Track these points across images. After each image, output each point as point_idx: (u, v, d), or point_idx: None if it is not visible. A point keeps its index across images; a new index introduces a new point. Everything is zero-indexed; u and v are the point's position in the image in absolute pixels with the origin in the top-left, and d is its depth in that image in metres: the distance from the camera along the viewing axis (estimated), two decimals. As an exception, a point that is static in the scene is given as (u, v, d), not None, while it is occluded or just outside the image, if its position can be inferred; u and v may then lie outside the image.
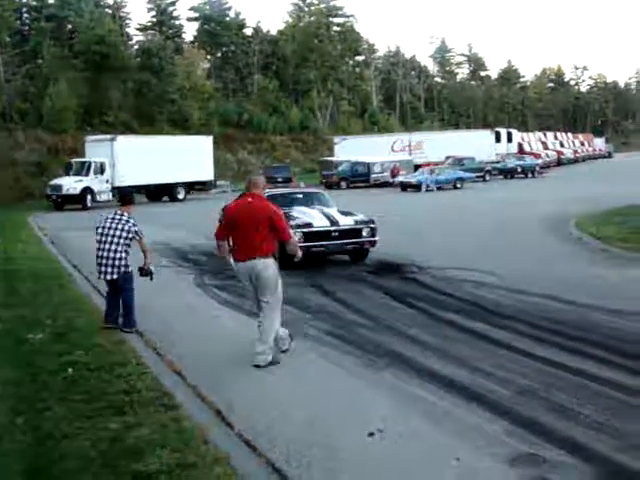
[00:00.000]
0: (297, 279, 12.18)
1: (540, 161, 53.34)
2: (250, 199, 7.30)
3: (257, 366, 6.98)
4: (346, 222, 13.61)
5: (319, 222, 13.48)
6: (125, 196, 9.31)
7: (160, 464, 4.63)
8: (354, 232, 13.57)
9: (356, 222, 13.71)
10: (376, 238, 13.68)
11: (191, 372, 6.92)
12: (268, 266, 7.19)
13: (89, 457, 4.79)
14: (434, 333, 8.23)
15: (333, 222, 13.52)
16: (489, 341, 7.80)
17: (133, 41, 72.51)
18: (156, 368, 6.98)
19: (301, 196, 15.43)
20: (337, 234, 13.44)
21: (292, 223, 13.16)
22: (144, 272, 8.77)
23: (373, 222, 13.77)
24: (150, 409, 5.66)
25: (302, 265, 13.01)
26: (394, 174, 42.64)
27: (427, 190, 37.03)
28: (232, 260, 7.48)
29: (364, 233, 13.57)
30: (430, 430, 5.35)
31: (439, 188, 38.19)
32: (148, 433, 5.17)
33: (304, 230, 13.11)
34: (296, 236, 12.89)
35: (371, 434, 5.28)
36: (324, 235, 13.36)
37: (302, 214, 13.85)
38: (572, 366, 6.75)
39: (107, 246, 8.38)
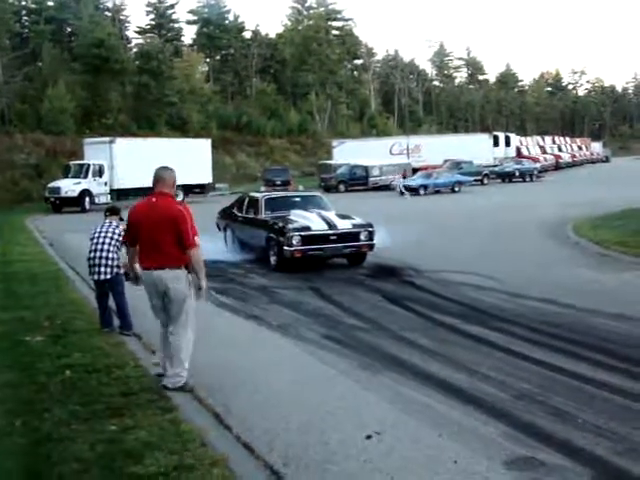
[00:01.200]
0: (295, 282, 12.21)
1: (538, 165, 53.41)
2: (154, 199, 6.39)
3: (165, 387, 6.24)
4: (344, 226, 13.59)
5: (317, 225, 13.46)
6: (113, 208, 9.51)
7: (158, 466, 4.62)
8: (352, 236, 13.54)
9: (354, 226, 13.69)
10: (374, 242, 13.67)
11: (188, 374, 6.91)
12: (179, 278, 6.29)
13: (87, 459, 4.78)
14: (432, 336, 8.24)
15: (331, 225, 13.50)
16: (487, 344, 7.81)
17: (132, 44, 72.80)
18: (153, 370, 6.97)
19: (299, 199, 15.45)
20: (335, 237, 13.40)
21: (290, 226, 13.27)
22: (129, 275, 8.77)
23: (371, 226, 13.75)
24: (148, 411, 5.65)
25: (300, 268, 13.10)
26: (404, 177, 42.54)
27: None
28: (138, 267, 6.57)
29: (362, 237, 13.55)
30: (427, 433, 5.36)
31: (437, 192, 38.21)
32: (146, 435, 5.16)
33: (302, 233, 13.10)
34: (294, 240, 12.99)
35: (368, 437, 5.28)
36: (322, 238, 13.34)
37: (300, 217, 13.85)
38: (570, 369, 6.76)
39: (100, 247, 8.46)
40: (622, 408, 5.76)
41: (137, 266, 6.60)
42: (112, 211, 9.13)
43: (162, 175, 6.43)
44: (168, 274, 6.24)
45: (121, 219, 8.83)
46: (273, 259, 13.62)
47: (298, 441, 5.26)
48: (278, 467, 4.81)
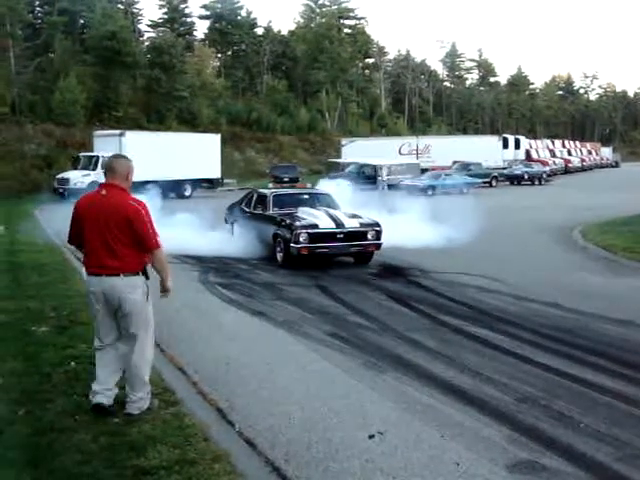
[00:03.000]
0: (301, 279, 12.22)
1: (547, 169, 53.24)
2: (104, 191, 5.45)
3: (130, 414, 5.45)
4: (351, 224, 13.53)
5: (324, 223, 13.42)
6: None
7: (160, 460, 4.65)
8: (359, 234, 13.50)
9: (361, 224, 13.63)
10: (381, 241, 13.61)
11: (193, 369, 6.95)
12: (135, 287, 5.43)
13: (90, 451, 4.81)
14: (436, 337, 8.23)
15: (338, 224, 13.43)
16: (491, 347, 7.80)
17: (144, 37, 72.72)
18: (158, 363, 6.99)
19: (308, 197, 15.43)
20: (342, 236, 13.35)
21: (298, 224, 13.26)
22: None
23: (378, 225, 13.68)
24: (156, 398, 5.68)
25: (306, 266, 13.11)
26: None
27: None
28: (84, 271, 5.65)
29: (369, 236, 13.49)
30: (430, 434, 5.36)
31: (445, 193, 38.11)
32: (149, 429, 5.19)
33: (309, 231, 13.09)
34: (301, 237, 12.99)
35: (371, 436, 5.29)
36: (329, 236, 13.31)
37: (308, 215, 13.84)
38: (574, 374, 6.75)
39: None
40: (624, 414, 5.75)
41: (83, 270, 5.67)
42: None
43: (112, 164, 5.54)
44: (123, 282, 5.36)
45: None
46: (279, 256, 13.63)
47: (300, 438, 5.27)
48: (280, 464, 4.83)
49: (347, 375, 6.83)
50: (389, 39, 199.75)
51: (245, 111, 66.38)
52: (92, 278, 5.45)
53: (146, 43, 68.17)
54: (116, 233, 5.30)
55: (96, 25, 54.65)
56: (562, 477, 4.64)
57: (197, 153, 37.73)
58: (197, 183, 39.33)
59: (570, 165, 65.68)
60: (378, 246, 13.66)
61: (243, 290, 11.30)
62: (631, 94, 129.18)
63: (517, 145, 58.78)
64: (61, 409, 5.55)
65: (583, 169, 68.98)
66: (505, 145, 55.31)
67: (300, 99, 77.06)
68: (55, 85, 48.13)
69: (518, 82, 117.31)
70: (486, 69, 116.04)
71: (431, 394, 6.23)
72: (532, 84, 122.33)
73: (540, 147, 66.51)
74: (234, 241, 15.59)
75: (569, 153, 71.60)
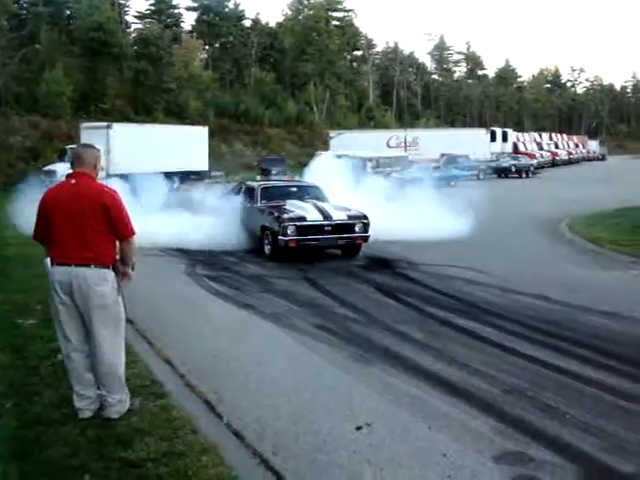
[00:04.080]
0: (289, 272, 12.22)
1: (534, 161, 53.45)
2: (73, 180, 5.30)
3: (110, 419, 5.26)
4: (339, 216, 13.56)
5: (312, 216, 13.43)
6: None
7: (148, 452, 4.65)
8: (347, 227, 13.53)
9: (349, 217, 13.65)
10: (369, 234, 13.66)
11: (181, 361, 6.94)
12: (104, 279, 5.21)
13: (77, 444, 4.80)
14: (424, 329, 8.26)
15: (326, 216, 13.47)
16: (479, 339, 7.84)
17: (131, 29, 72.23)
18: (145, 356, 6.99)
19: (296, 189, 15.43)
20: (330, 228, 13.37)
21: (285, 216, 13.25)
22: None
23: (366, 217, 13.69)
24: (139, 397, 5.66)
25: (294, 259, 13.11)
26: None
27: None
28: (49, 262, 5.41)
29: (357, 228, 13.53)
30: (417, 425, 5.38)
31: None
32: (137, 421, 5.19)
33: (297, 224, 13.10)
34: (289, 229, 12.98)
35: (359, 428, 5.31)
36: (317, 229, 13.32)
37: (296, 207, 13.85)
38: (561, 366, 6.79)
39: None
40: (610, 405, 5.79)
41: (47, 261, 5.42)
42: None
43: (80, 154, 5.39)
44: (92, 272, 5.15)
45: None
46: (267, 248, 13.65)
47: (288, 430, 5.28)
48: (268, 456, 4.83)
49: (335, 367, 6.84)
50: (377, 31, 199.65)
51: (233, 103, 66.17)
52: (59, 268, 5.22)
53: (133, 35, 67.74)
54: (92, 222, 5.13)
55: (82, 16, 54.24)
56: (548, 468, 4.68)
57: (185, 145, 37.58)
58: (185, 176, 39.19)
59: (557, 158, 66.00)
60: (366, 238, 13.70)
61: (231, 282, 11.30)
62: (618, 87, 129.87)
63: (504, 138, 58.93)
64: (48, 402, 5.54)
65: (570, 162, 69.33)
66: (492, 138, 55.44)
67: (288, 91, 76.88)
68: (41, 77, 47.78)
69: (506, 75, 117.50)
70: (474, 62, 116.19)
71: (418, 386, 6.26)
72: (520, 77, 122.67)
73: (527, 140, 66.76)
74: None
75: (556, 146, 71.92)
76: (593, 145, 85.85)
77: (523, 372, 6.65)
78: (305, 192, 15.19)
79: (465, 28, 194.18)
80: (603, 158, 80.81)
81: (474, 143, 50.62)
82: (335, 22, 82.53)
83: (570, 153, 72.27)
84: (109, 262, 5.24)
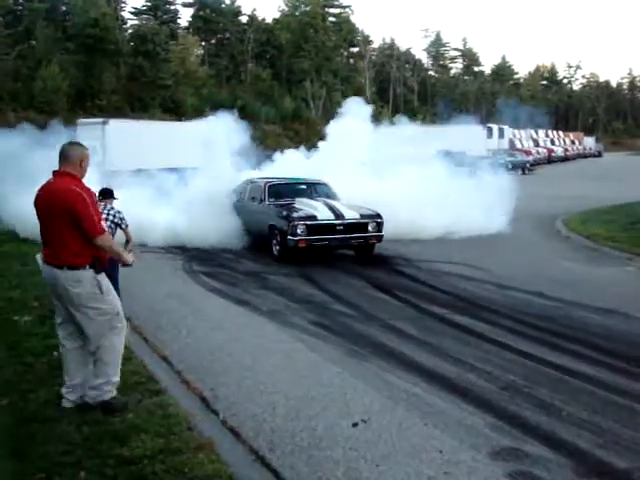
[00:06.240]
0: (286, 269, 12.22)
1: (530, 158, 53.46)
2: (53, 179, 5.30)
3: (86, 406, 5.36)
4: (351, 215, 12.93)
5: (323, 214, 12.82)
6: (104, 191, 8.85)
7: (144, 449, 4.64)
8: (360, 226, 12.92)
9: (362, 216, 13.01)
10: (382, 233, 13.06)
11: (177, 358, 6.94)
12: (78, 281, 5.16)
13: (73, 441, 4.79)
14: (420, 325, 8.27)
15: (338, 215, 12.85)
16: (474, 335, 7.85)
17: (127, 25, 72.08)
18: (142, 353, 6.98)
19: (305, 186, 14.71)
20: (342, 228, 12.74)
21: (295, 215, 12.68)
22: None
23: (379, 216, 13.08)
24: (135, 394, 5.66)
25: (305, 260, 12.72)
26: None
27: None
28: (39, 259, 5.49)
29: (370, 228, 12.95)
30: (413, 422, 5.39)
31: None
32: (132, 418, 5.18)
33: (307, 223, 12.50)
34: (299, 229, 12.36)
35: (355, 424, 5.31)
36: (328, 229, 12.69)
37: (306, 206, 13.24)
38: (556, 362, 6.81)
39: None
40: (605, 402, 5.81)
41: (38, 257, 5.50)
42: (103, 194, 8.89)
43: (65, 151, 5.31)
44: (64, 275, 5.15)
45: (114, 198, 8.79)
46: (276, 249, 13.00)
47: (284, 427, 5.29)
48: (264, 452, 4.84)
49: (331, 363, 6.85)
50: (374, 28, 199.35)
51: (229, 100, 65.99)
52: (44, 266, 5.32)
53: (129, 31, 67.66)
54: (59, 222, 5.10)
55: (78, 12, 54.19)
56: (544, 464, 4.69)
57: (181, 142, 37.51)
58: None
59: (553, 155, 65.95)
60: (380, 238, 13.09)
61: (228, 279, 11.29)
62: (614, 84, 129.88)
63: (501, 134, 58.91)
64: (43, 399, 5.52)
65: (566, 159, 69.27)
66: (489, 134, 55.43)
67: (284, 88, 76.79)
68: (37, 73, 47.74)
69: (502, 72, 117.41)
70: (470, 58, 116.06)
71: (415, 382, 6.27)
72: (516, 74, 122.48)
73: (524, 137, 66.71)
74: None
75: (552, 143, 71.89)
76: (589, 142, 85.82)
77: (519, 368, 6.67)
78: (315, 190, 14.51)
79: (462, 24, 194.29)
80: (599, 155, 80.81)
81: (470, 139, 50.57)
82: (332, 18, 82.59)
83: (566, 150, 72.22)
84: (83, 262, 5.16)
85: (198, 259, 13.17)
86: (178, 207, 15.05)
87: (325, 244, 12.87)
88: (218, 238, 14.33)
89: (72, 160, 5.27)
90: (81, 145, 5.55)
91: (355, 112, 18.37)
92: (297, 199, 13.68)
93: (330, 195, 14.21)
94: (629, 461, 4.74)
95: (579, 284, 10.82)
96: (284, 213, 12.85)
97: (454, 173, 17.36)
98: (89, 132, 35.43)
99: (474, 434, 5.15)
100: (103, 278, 5.32)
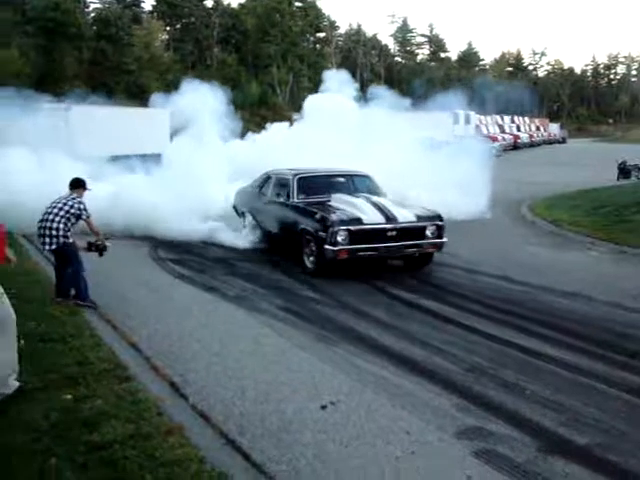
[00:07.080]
0: (253, 254, 12.20)
1: (497, 144, 53.94)
2: None
3: None
4: (406, 217, 10.35)
5: (370, 217, 10.21)
6: (75, 181, 8.75)
7: (114, 435, 4.64)
8: (416, 231, 10.36)
9: (419, 217, 10.47)
10: (444, 239, 10.58)
11: (146, 345, 6.92)
12: None
13: (41, 429, 4.77)
14: (387, 310, 8.36)
15: (389, 217, 10.24)
16: (441, 319, 7.97)
17: (90, 9, 70.75)
18: (110, 340, 6.95)
19: (343, 179, 12.03)
20: (394, 233, 10.16)
21: (334, 218, 10.09)
22: (92, 247, 8.73)
23: (440, 218, 10.62)
24: (104, 381, 5.65)
25: (345, 274, 10.71)
26: None
27: None
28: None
29: (428, 232, 10.42)
30: (381, 404, 5.47)
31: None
32: (102, 404, 5.17)
33: (351, 228, 9.92)
34: (339, 236, 9.86)
35: (324, 407, 5.37)
36: (377, 235, 10.12)
37: (347, 205, 10.65)
38: (520, 344, 6.95)
39: (47, 217, 8.33)
40: (568, 381, 5.96)
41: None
42: (73, 185, 8.78)
43: None
44: None
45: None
46: (309, 260, 10.44)
47: (254, 411, 5.33)
48: (234, 436, 4.87)
49: (299, 348, 6.90)
50: (340, 13, 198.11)
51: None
52: None
53: (92, 14, 66.45)
54: None
55: (39, -5, 53.06)
56: (508, 442, 4.80)
57: (146, 128, 37.08)
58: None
59: (519, 141, 66.64)
60: (440, 245, 10.60)
61: (195, 266, 11.25)
62: (578, 71, 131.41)
63: (467, 120, 59.31)
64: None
65: (532, 145, 70.05)
66: (455, 120, 55.77)
67: (251, 73, 76.26)
68: (-3, 56, 46.68)
69: (468, 58, 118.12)
70: (437, 44, 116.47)
71: (383, 365, 6.35)
72: (482, 60, 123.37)
73: (490, 123, 67.25)
74: (243, 234, 13.02)
75: (518, 129, 72.60)
76: (554, 128, 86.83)
77: (485, 350, 6.79)
78: (354, 183, 11.93)
79: (428, 11, 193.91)
80: (564, 141, 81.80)
81: (437, 126, 50.82)
82: (298, 3, 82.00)
83: (532, 136, 73.02)
84: None
85: (164, 245, 13.07)
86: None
87: (372, 254, 10.27)
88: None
89: None
90: None
91: (338, 88, 17.84)
92: (333, 195, 11.20)
93: (372, 190, 11.68)
94: (590, 437, 4.88)
95: (544, 268, 11.00)
96: (320, 215, 10.33)
97: (433, 158, 17.32)
98: (52, 118, 34.95)
99: (440, 415, 5.25)
100: None
